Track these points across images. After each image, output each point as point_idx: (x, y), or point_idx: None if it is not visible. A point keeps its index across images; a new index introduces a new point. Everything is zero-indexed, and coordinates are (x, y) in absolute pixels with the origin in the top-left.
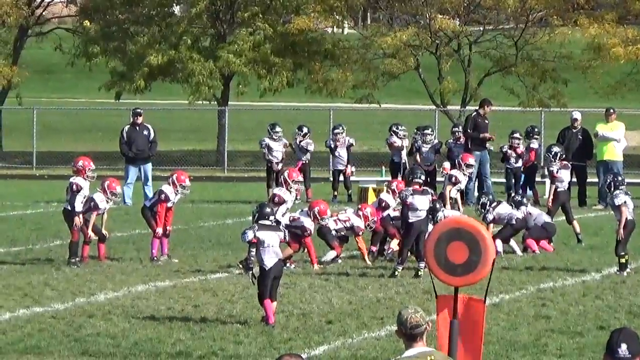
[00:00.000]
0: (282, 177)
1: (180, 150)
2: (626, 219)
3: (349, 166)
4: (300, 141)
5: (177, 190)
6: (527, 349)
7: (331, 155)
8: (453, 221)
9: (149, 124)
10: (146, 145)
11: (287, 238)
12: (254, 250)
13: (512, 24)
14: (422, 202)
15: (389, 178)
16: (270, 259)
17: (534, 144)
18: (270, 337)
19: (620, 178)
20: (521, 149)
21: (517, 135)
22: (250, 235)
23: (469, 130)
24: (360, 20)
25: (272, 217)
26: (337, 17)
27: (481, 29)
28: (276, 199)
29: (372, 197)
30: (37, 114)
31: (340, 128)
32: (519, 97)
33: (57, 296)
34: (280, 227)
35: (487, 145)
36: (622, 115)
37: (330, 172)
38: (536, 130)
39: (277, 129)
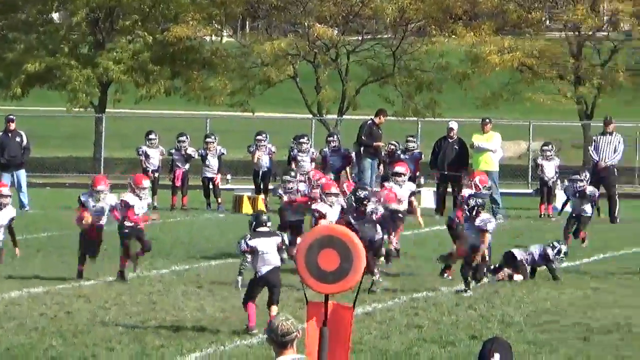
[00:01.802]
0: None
1: (57, 157)
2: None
3: (219, 175)
4: (186, 149)
5: (138, 193)
6: (399, 358)
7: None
8: (325, 229)
9: (26, 130)
10: (19, 151)
11: (286, 242)
12: (249, 258)
13: (390, 33)
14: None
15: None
16: (264, 267)
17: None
18: (142, 343)
19: (482, 201)
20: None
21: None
22: (243, 245)
23: (363, 138)
24: (239, 28)
25: (268, 224)
26: (216, 25)
27: (359, 38)
28: (123, 204)
29: (246, 205)
30: None
31: (213, 137)
32: (393, 105)
33: None
34: (277, 232)
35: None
36: (498, 125)
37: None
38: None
39: (152, 136)
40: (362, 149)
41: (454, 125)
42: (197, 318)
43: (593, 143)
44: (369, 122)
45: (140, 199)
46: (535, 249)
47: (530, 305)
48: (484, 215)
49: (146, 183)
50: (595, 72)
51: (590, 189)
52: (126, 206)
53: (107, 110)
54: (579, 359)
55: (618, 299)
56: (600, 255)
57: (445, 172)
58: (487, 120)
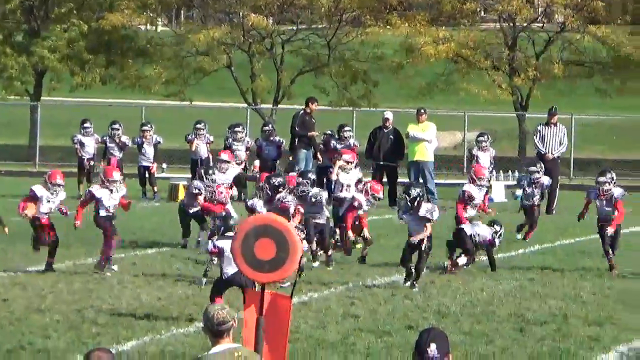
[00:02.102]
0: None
1: None
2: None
3: (155, 164)
4: (120, 137)
5: (107, 186)
6: (335, 347)
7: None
8: (261, 218)
9: None
10: None
11: None
12: (216, 260)
13: (325, 23)
14: None
15: None
16: (230, 268)
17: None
18: (79, 331)
19: (423, 191)
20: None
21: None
22: (210, 246)
23: (296, 129)
24: (174, 17)
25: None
26: (151, 14)
27: (294, 28)
28: (88, 195)
29: (182, 194)
30: None
31: (148, 125)
32: (328, 95)
33: None
34: None
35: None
36: (433, 116)
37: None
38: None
39: (87, 124)
40: (296, 140)
41: (389, 115)
42: (134, 307)
43: (538, 134)
44: (301, 112)
45: (111, 192)
46: (486, 233)
47: (466, 296)
48: (428, 205)
49: (116, 175)
50: (530, 63)
51: (546, 180)
52: (91, 197)
53: (42, 98)
54: (515, 349)
55: (553, 289)
56: (536, 247)
57: (381, 162)
58: (422, 111)
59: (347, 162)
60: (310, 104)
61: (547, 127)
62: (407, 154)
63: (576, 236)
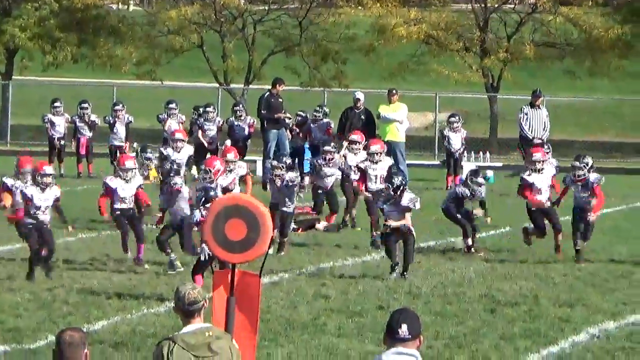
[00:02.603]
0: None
1: None
2: None
3: (127, 143)
4: (89, 116)
5: (121, 175)
6: (306, 327)
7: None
8: (232, 198)
9: None
10: None
11: None
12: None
13: (296, 3)
14: None
15: None
16: None
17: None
18: (49, 311)
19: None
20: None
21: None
22: (197, 215)
23: (262, 111)
24: None
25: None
26: None
27: (266, 8)
28: (103, 186)
29: (153, 172)
30: None
31: (120, 105)
32: (300, 76)
33: None
34: None
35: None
36: (405, 97)
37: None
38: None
39: (57, 104)
40: (265, 122)
41: (360, 95)
42: (105, 286)
43: (524, 116)
44: (266, 94)
45: (126, 182)
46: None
47: (437, 277)
48: (410, 195)
49: (129, 164)
50: (501, 44)
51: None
52: (107, 189)
53: (13, 77)
54: (486, 330)
55: (524, 270)
56: (507, 228)
57: None
58: (394, 91)
59: (355, 143)
60: (277, 85)
61: (532, 110)
62: (378, 134)
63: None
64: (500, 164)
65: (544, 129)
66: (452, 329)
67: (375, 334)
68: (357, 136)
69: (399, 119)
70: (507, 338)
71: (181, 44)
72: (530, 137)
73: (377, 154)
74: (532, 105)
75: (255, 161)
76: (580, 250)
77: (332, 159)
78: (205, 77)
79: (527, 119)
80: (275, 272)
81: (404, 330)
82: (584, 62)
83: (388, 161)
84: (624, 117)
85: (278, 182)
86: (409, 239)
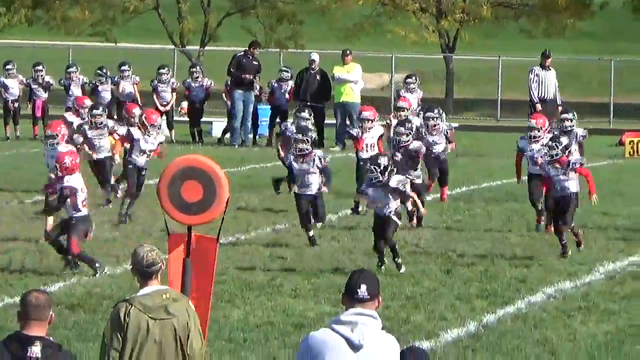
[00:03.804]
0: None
1: None
2: None
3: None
4: (43, 77)
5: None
6: (262, 289)
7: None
8: (187, 160)
9: None
10: None
11: None
12: None
13: None
14: None
15: None
16: None
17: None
18: (5, 274)
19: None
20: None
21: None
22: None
23: (232, 69)
24: None
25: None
26: None
27: None
28: (127, 133)
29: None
30: None
31: (74, 67)
32: (255, 37)
33: None
34: None
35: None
36: (361, 58)
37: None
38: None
39: (10, 66)
40: (231, 80)
41: (315, 56)
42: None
43: (535, 77)
44: (240, 54)
45: (149, 136)
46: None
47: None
48: (399, 176)
49: (158, 120)
50: (457, 5)
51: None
52: (129, 137)
53: None
54: (442, 290)
55: (480, 232)
56: (464, 188)
57: (308, 103)
58: (348, 52)
59: (368, 120)
60: (251, 47)
61: (543, 71)
62: (333, 95)
63: (503, 178)
64: (456, 125)
65: (554, 90)
66: (409, 289)
67: (331, 294)
68: (368, 112)
69: (353, 80)
70: (464, 298)
71: (136, 5)
72: (536, 101)
73: (367, 120)
74: (542, 66)
75: (211, 122)
76: (566, 243)
77: (436, 125)
78: (160, 39)
79: (537, 80)
80: (231, 234)
81: (362, 290)
82: (539, 22)
83: (379, 129)
84: (581, 77)
85: (303, 165)
86: (392, 222)
